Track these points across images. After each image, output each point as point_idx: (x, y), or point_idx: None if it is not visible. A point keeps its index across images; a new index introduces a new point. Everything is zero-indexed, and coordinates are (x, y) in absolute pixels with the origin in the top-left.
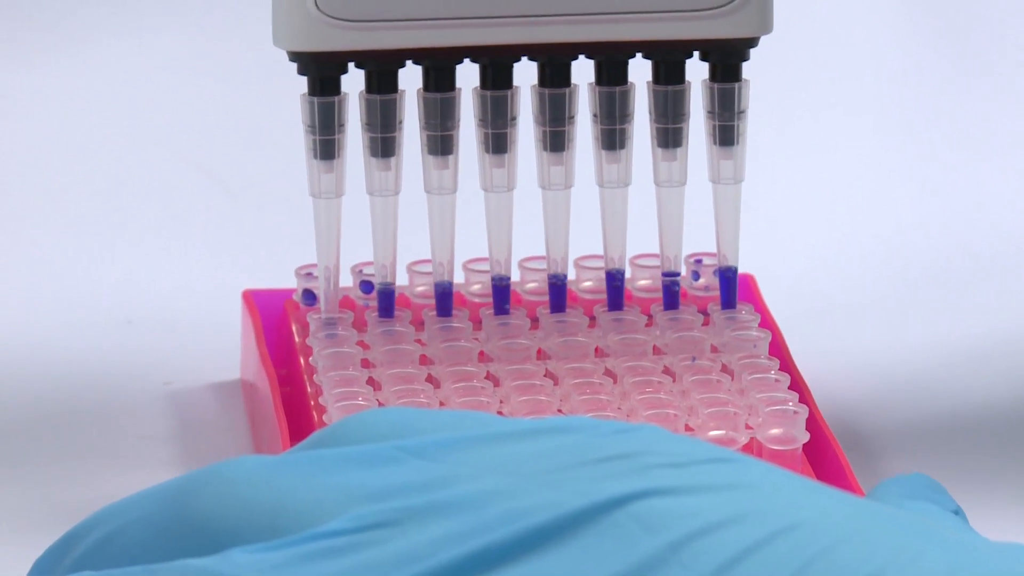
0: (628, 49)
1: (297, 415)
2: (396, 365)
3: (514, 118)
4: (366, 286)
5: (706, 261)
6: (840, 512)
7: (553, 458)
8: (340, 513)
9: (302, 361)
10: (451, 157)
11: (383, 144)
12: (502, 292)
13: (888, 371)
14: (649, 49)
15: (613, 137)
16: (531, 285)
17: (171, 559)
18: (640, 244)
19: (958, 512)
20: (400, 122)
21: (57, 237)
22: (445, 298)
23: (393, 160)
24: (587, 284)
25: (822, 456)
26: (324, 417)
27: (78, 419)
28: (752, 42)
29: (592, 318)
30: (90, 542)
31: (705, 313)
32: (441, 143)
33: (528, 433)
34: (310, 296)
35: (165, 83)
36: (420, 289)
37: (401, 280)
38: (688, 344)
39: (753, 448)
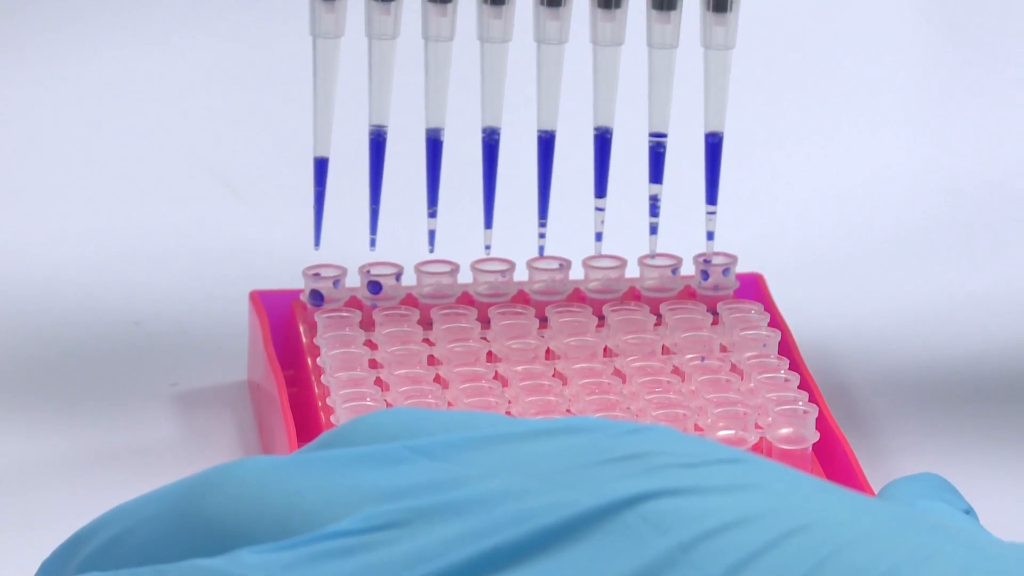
0: None
1: (304, 416)
2: (404, 366)
3: None
4: (374, 287)
5: (715, 261)
6: (852, 512)
7: (564, 458)
8: (350, 513)
9: (309, 362)
10: (450, 5)
11: None
12: (492, 148)
13: (899, 370)
14: None
15: None
16: (539, 285)
17: (180, 559)
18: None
19: (969, 512)
20: None
21: (65, 237)
22: (436, 148)
23: (393, 4)
24: (595, 284)
25: (832, 455)
26: (332, 418)
27: (85, 420)
28: None
29: (601, 318)
30: (98, 543)
31: (714, 312)
32: None
33: (539, 433)
34: (317, 297)
35: (175, 86)
36: (428, 290)
37: (408, 280)
38: (697, 343)
39: (763, 448)
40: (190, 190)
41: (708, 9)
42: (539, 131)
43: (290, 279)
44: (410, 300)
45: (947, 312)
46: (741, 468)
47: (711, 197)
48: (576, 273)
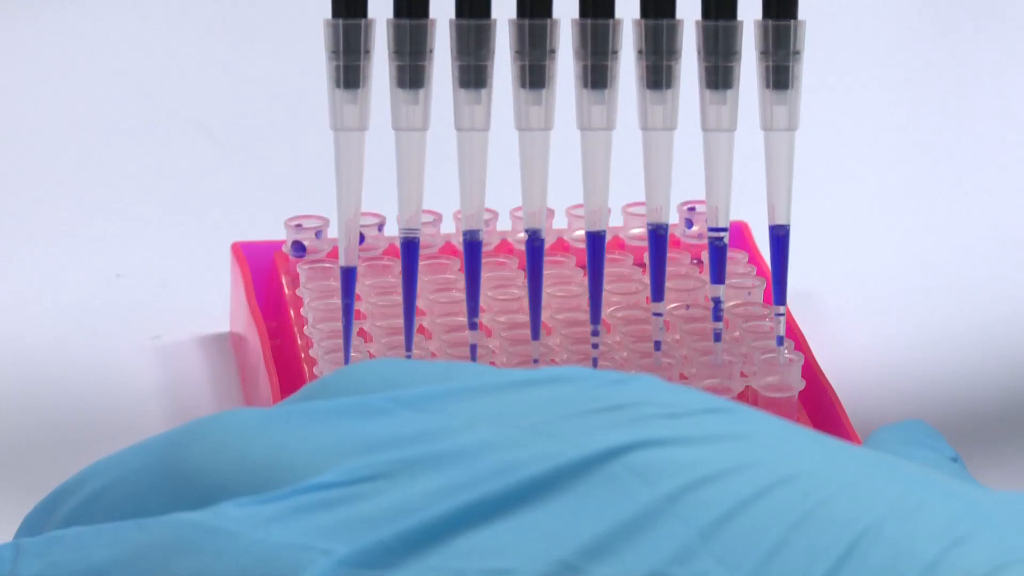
0: None
1: (287, 367)
2: (387, 317)
3: (553, 50)
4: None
5: (699, 208)
6: (838, 462)
7: (548, 409)
8: (332, 465)
9: (292, 313)
10: (484, 91)
11: (412, 73)
12: (536, 252)
13: (885, 317)
14: None
15: (659, 75)
16: (522, 235)
17: (163, 513)
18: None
19: (956, 459)
20: (430, 51)
21: (46, 189)
22: (474, 250)
23: (422, 92)
24: (578, 233)
25: (818, 403)
26: (315, 369)
27: (66, 373)
28: None
29: (584, 267)
30: (81, 497)
31: (699, 261)
32: (475, 74)
33: (523, 384)
34: (299, 248)
35: (156, 36)
36: None
37: (391, 231)
38: (681, 293)
39: (748, 396)
40: (172, 140)
41: (767, 87)
42: (587, 231)
43: (272, 231)
44: (393, 251)
45: (935, 254)
46: (726, 418)
47: (780, 297)
48: (559, 222)
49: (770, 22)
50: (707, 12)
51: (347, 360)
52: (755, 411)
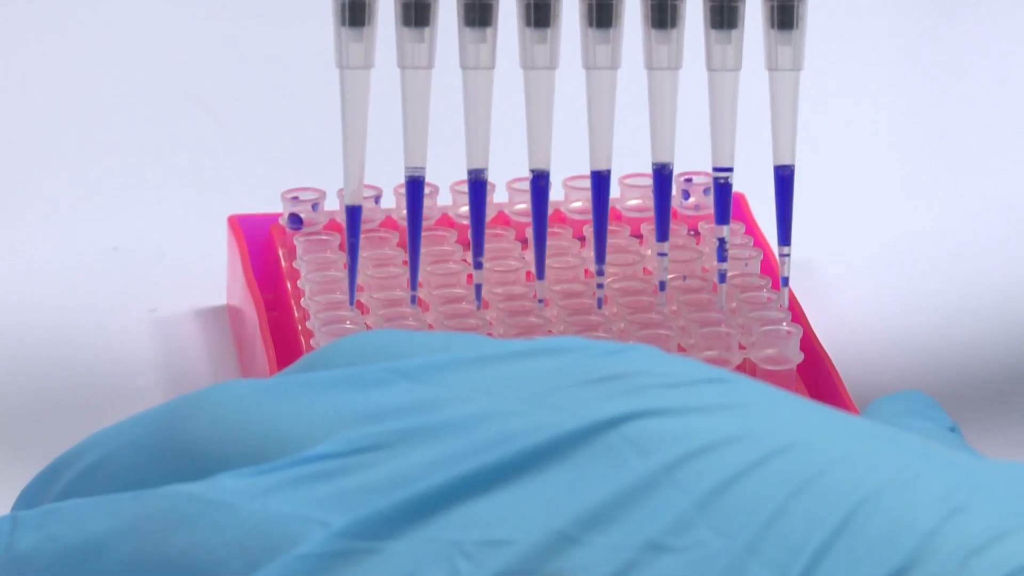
0: None
1: (284, 340)
2: (384, 289)
3: None
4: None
5: (696, 180)
6: (836, 432)
7: (546, 379)
8: (330, 436)
9: (289, 285)
10: (489, 30)
11: (417, 11)
12: (541, 193)
13: (883, 288)
14: None
15: (664, 14)
16: (520, 206)
17: (160, 484)
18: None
19: (954, 429)
20: None
21: (43, 163)
22: (479, 191)
23: (427, 31)
24: (576, 204)
25: (817, 375)
26: (312, 341)
27: (64, 345)
28: None
29: (582, 239)
30: (78, 469)
31: (696, 232)
32: (480, 13)
33: (520, 354)
34: (296, 220)
35: (155, 10)
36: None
37: (388, 203)
38: (679, 264)
39: (747, 368)
40: (169, 114)
41: (772, 27)
42: (592, 171)
43: (269, 203)
44: (389, 223)
45: (936, 229)
46: (724, 388)
47: (784, 237)
48: (557, 194)
49: None
50: None
51: (352, 297)
52: (753, 381)
